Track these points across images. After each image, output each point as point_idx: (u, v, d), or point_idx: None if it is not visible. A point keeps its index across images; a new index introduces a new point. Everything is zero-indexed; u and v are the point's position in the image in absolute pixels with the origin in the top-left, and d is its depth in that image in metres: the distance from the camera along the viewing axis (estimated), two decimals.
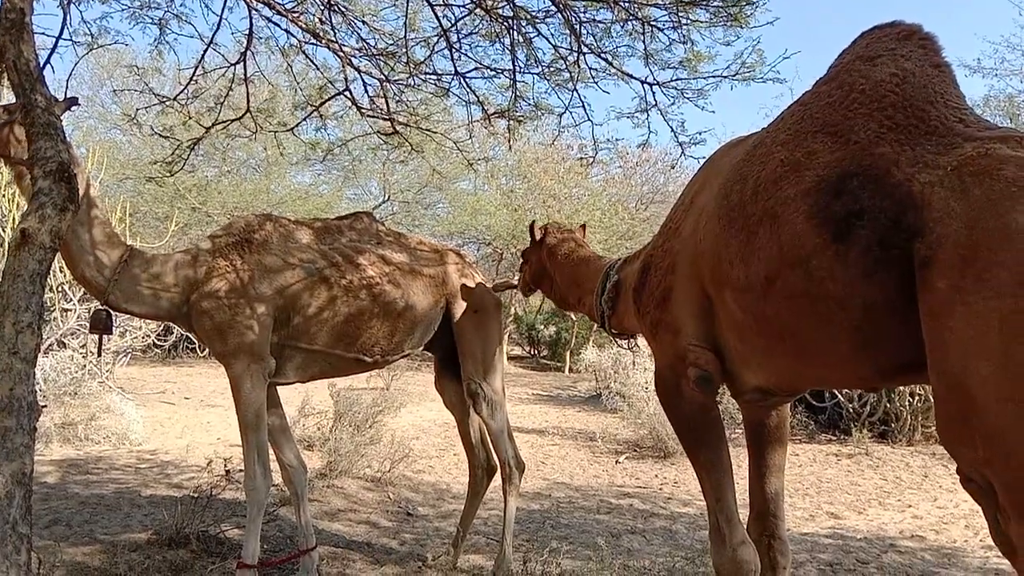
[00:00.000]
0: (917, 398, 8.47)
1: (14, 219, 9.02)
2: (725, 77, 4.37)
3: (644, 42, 4.35)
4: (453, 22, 4.55)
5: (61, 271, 8.41)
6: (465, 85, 4.90)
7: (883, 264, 1.76)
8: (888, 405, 8.54)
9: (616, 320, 3.22)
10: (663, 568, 4.36)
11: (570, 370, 18.41)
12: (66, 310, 9.39)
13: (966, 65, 14.56)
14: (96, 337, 4.10)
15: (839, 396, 8.72)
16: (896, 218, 1.75)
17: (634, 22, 4.27)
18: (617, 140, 5.16)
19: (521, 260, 4.27)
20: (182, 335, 14.13)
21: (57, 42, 3.45)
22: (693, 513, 5.89)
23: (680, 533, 5.37)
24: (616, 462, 7.86)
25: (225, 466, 5.57)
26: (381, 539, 4.95)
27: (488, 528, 5.19)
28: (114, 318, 4.13)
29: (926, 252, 1.68)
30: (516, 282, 4.45)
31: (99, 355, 4.50)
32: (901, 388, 8.40)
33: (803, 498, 6.44)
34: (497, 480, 4.48)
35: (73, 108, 3.85)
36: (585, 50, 4.50)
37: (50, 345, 8.98)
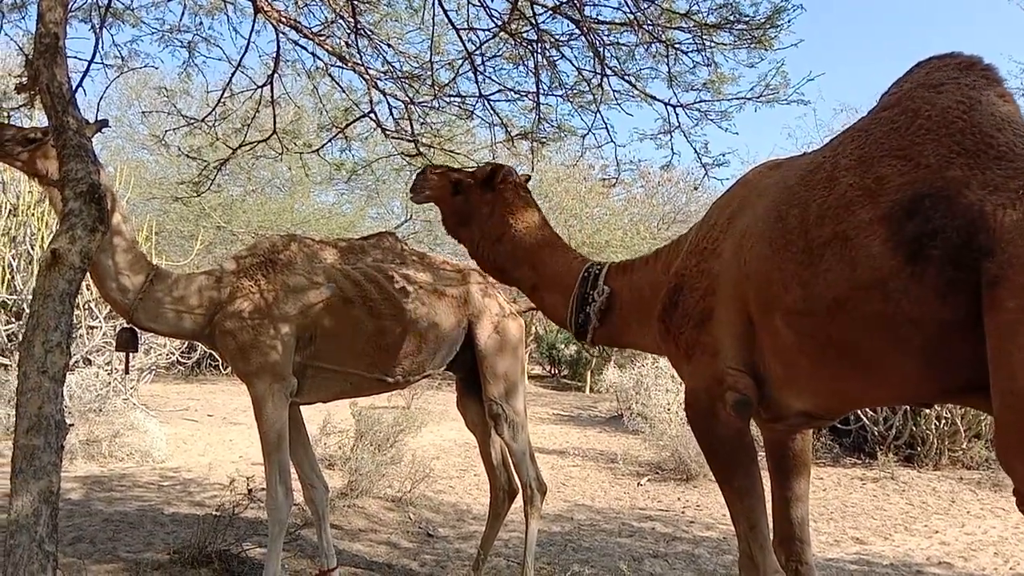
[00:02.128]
0: (944, 421, 8.34)
1: (43, 238, 9.17)
2: (749, 99, 4.37)
3: (668, 64, 4.36)
4: (478, 45, 4.59)
5: (88, 289, 8.51)
6: (489, 107, 4.94)
7: (955, 283, 1.80)
8: (914, 428, 8.41)
9: (605, 332, 3.06)
10: None
11: (591, 390, 18.32)
12: (92, 327, 9.51)
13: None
14: (122, 355, 4.14)
15: (864, 419, 8.59)
16: (967, 238, 1.78)
17: (658, 45, 4.28)
18: (640, 161, 5.14)
19: (440, 177, 3.40)
20: (205, 352, 14.24)
21: (89, 66, 3.53)
22: (716, 537, 5.82)
23: (703, 557, 5.31)
24: (638, 484, 7.80)
25: (247, 485, 5.57)
26: (402, 560, 4.93)
27: (509, 550, 5.16)
28: (140, 336, 4.18)
29: (996, 272, 1.71)
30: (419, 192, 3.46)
31: (126, 372, 4.55)
32: (927, 411, 8.29)
33: (828, 523, 6.35)
34: (518, 502, 4.45)
35: (103, 130, 3.94)
36: (608, 72, 4.52)
37: (76, 362, 9.08)
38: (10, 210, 9.54)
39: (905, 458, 8.45)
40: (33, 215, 9.44)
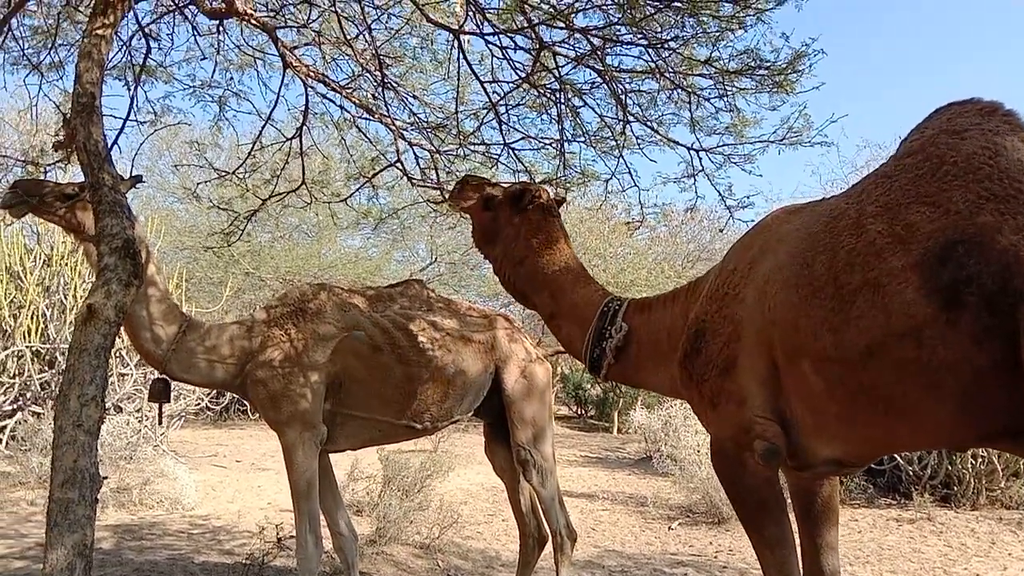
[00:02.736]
0: (980, 460, 8.15)
1: (76, 288, 9.35)
2: (772, 142, 4.39)
3: (690, 110, 4.40)
4: (501, 96, 4.67)
5: (119, 337, 8.63)
6: (512, 155, 5.01)
7: (991, 329, 1.79)
8: (950, 468, 8.22)
9: (619, 370, 3.04)
10: None
11: (618, 431, 18.15)
12: (123, 375, 9.62)
13: None
14: (156, 405, 4.19)
15: (898, 459, 8.41)
16: (1003, 283, 1.78)
17: (679, 92, 4.34)
18: (664, 204, 5.15)
19: (474, 190, 3.37)
20: (234, 397, 14.32)
21: (124, 124, 3.64)
22: None
23: None
24: (669, 528, 7.68)
25: (277, 533, 5.58)
26: None
27: None
28: (171, 386, 4.23)
29: None
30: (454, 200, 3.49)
31: (160, 423, 4.61)
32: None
33: (864, 566, 6.20)
34: (548, 548, 4.41)
35: (138, 186, 4.04)
36: (631, 119, 4.58)
37: (107, 410, 9.17)
38: (44, 260, 9.75)
39: (941, 498, 8.25)
40: (66, 265, 9.63)
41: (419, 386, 4.08)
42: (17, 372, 9.04)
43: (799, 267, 2.22)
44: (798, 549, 2.48)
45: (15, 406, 8.86)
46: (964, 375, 1.85)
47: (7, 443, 8.75)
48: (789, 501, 2.74)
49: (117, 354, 9.61)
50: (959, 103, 2.23)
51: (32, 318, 9.17)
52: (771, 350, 2.29)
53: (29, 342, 8.95)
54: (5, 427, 8.85)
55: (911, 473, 8.37)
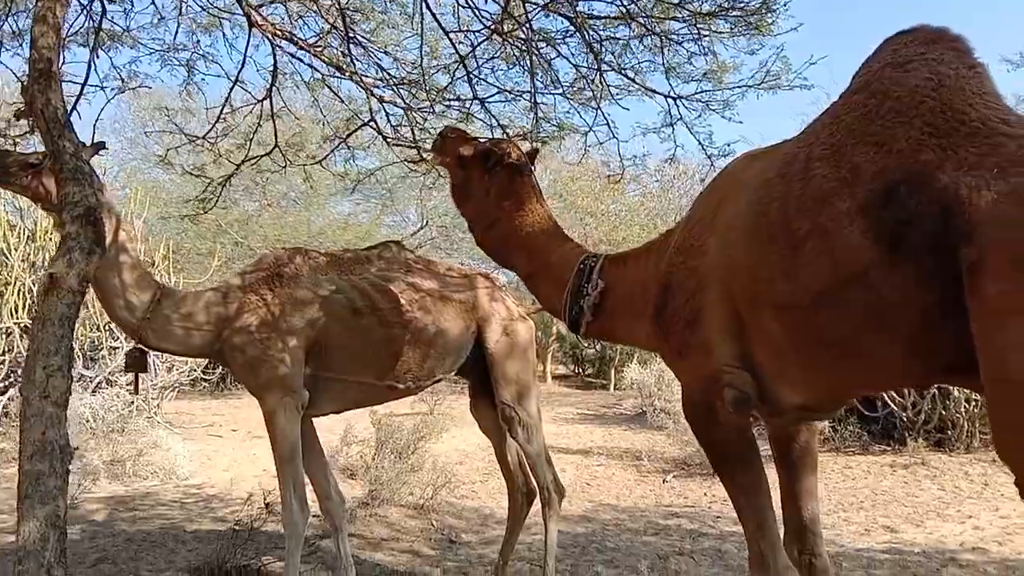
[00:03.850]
0: (973, 404, 8.17)
1: None
2: (750, 87, 4.29)
3: (664, 56, 4.30)
4: (471, 48, 4.56)
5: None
6: (486, 110, 4.91)
7: (935, 270, 1.74)
8: (943, 412, 8.25)
9: (598, 327, 3.00)
10: None
11: (615, 387, 18.24)
12: (114, 348, 9.59)
13: (1008, 60, 14.09)
14: (132, 375, 4.15)
15: (892, 405, 8.44)
16: (944, 223, 1.72)
17: (653, 37, 4.23)
18: (645, 155, 5.05)
19: (452, 145, 3.29)
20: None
21: (83, 89, 3.53)
22: (743, 532, 5.73)
23: (730, 553, 5.23)
24: (663, 481, 7.72)
25: (264, 499, 5.60)
26: (423, 567, 4.90)
27: (532, 554, 5.11)
28: (150, 356, 4.19)
29: (975, 256, 1.65)
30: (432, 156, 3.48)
31: (136, 392, 4.59)
32: (956, 394, 8.14)
33: (857, 512, 6.24)
34: (539, 505, 4.41)
35: (101, 152, 3.95)
36: (605, 68, 4.48)
37: (99, 383, 9.17)
38: (28, 236, 9.66)
39: (935, 443, 8.29)
40: (51, 240, 9.54)
41: (400, 347, 4.04)
42: (7, 349, 9.00)
43: (755, 215, 2.17)
44: (772, 496, 2.45)
45: (6, 383, 8.83)
46: (911, 316, 1.81)
47: (0, 420, 8.75)
48: (768, 448, 2.73)
49: (106, 327, 9.58)
50: (906, 32, 2.14)
51: (19, 294, 9.10)
52: (734, 299, 2.25)
53: (17, 318, 8.90)
54: None
55: (905, 419, 8.40)
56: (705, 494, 7.10)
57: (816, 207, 1.96)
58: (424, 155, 5.03)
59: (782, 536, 2.56)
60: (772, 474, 2.51)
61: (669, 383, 10.31)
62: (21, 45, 4.56)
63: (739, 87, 4.36)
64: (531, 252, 3.15)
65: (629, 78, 4.53)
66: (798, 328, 2.05)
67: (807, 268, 1.96)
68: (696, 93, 4.49)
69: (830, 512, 6.14)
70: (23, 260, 9.42)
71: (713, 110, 4.52)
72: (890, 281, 1.81)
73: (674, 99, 4.56)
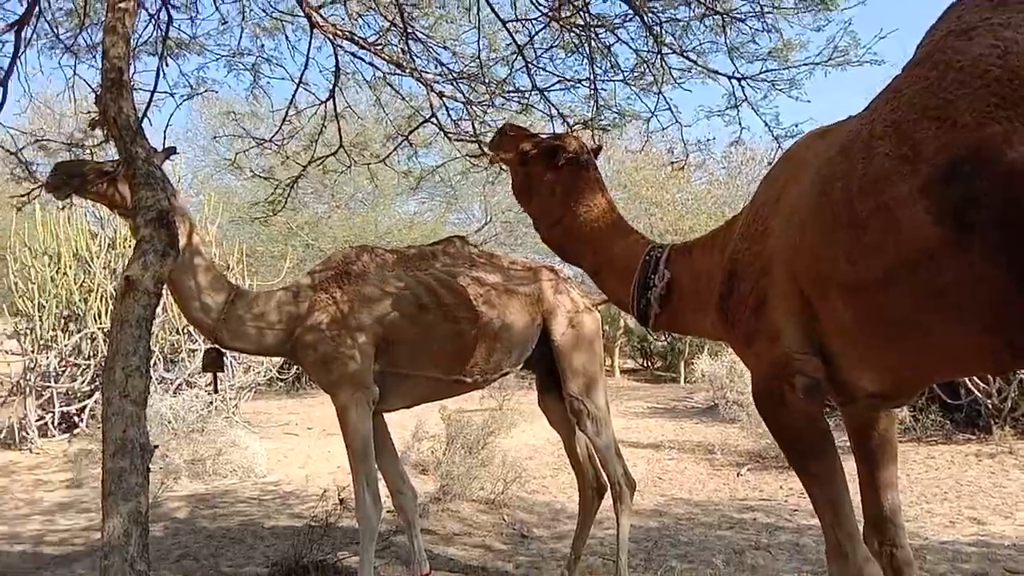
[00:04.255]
0: None
1: None
2: (817, 64, 4.14)
3: (727, 36, 4.18)
4: (529, 38, 4.53)
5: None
6: (546, 99, 4.87)
7: (1006, 248, 1.65)
8: None
9: (667, 318, 2.93)
10: None
11: (685, 380, 17.98)
12: (192, 351, 9.88)
13: None
14: (211, 375, 4.26)
15: (976, 392, 8.10)
16: (1015, 199, 1.63)
17: (714, 16, 4.12)
18: (710, 140, 4.92)
19: (511, 143, 3.29)
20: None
21: (152, 96, 3.62)
22: (820, 525, 5.57)
23: (808, 547, 5.09)
24: (737, 475, 7.57)
25: (339, 495, 5.68)
26: (496, 562, 4.91)
27: (604, 548, 5.07)
28: (226, 356, 4.29)
29: None
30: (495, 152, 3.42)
31: (215, 391, 4.71)
32: None
33: (941, 503, 6.00)
34: (610, 499, 4.37)
35: (172, 158, 4.06)
36: (666, 51, 4.38)
37: (179, 385, 9.46)
38: (109, 244, 10.03)
39: (1023, 431, 7.93)
40: (130, 247, 9.88)
41: (466, 341, 4.05)
42: (91, 354, 9.37)
43: (819, 195, 2.08)
44: (850, 487, 2.36)
45: (92, 387, 9.19)
46: (984, 297, 1.73)
47: (87, 422, 9.10)
48: (846, 439, 2.63)
49: (185, 331, 9.87)
50: None
51: (101, 300, 9.46)
52: (801, 283, 2.17)
53: (101, 324, 9.25)
54: (85, 407, 9.21)
55: (990, 406, 8.06)
56: (781, 487, 6.93)
57: (878, 186, 1.88)
58: (485, 149, 5.02)
59: (861, 528, 2.47)
60: (850, 465, 2.42)
61: (741, 374, 10.09)
62: (94, 57, 4.71)
63: (806, 65, 4.21)
64: (596, 247, 3.11)
65: (691, 60, 4.42)
66: (865, 310, 1.97)
67: (872, 249, 1.89)
68: (761, 73, 4.35)
69: (912, 504, 5.93)
70: (104, 267, 9.80)
71: (779, 90, 4.38)
72: (958, 261, 1.73)
73: (738, 80, 4.43)
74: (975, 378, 8.02)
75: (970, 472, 6.92)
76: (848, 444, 2.62)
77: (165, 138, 3.92)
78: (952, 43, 1.89)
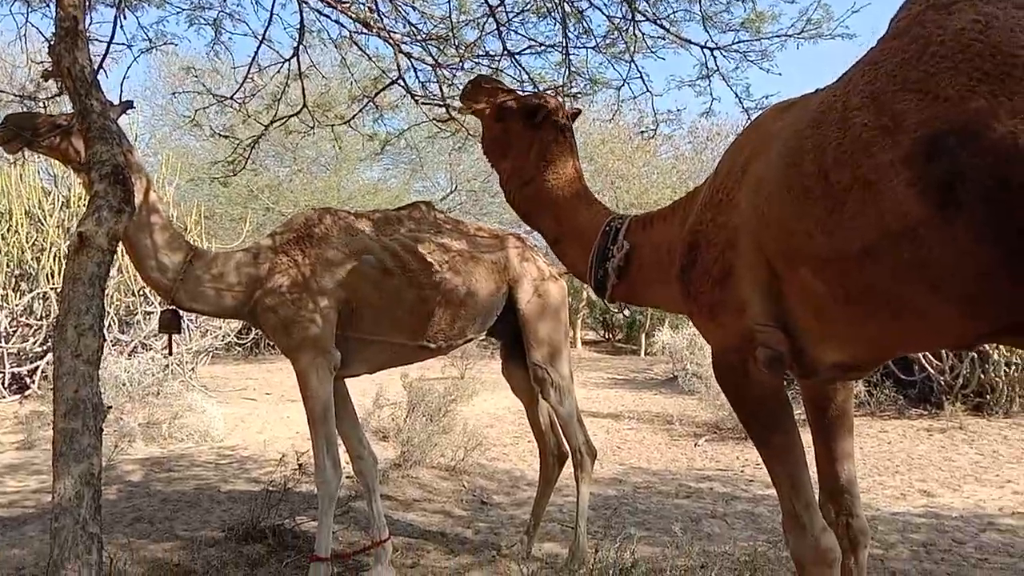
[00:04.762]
0: (1014, 368, 8.01)
1: None
2: (790, 36, 4.13)
3: (701, 5, 4.15)
4: (500, 0, 4.44)
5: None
6: (517, 64, 4.80)
7: (993, 226, 1.63)
8: (982, 376, 8.09)
9: (625, 289, 2.90)
10: (745, 552, 4.19)
11: (646, 352, 18.18)
12: (148, 313, 9.72)
13: None
14: (166, 336, 4.17)
15: (929, 369, 8.30)
16: (1003, 176, 1.61)
17: None
18: (679, 110, 4.90)
19: (487, 95, 3.15)
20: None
21: (108, 47, 3.49)
22: (776, 495, 5.68)
23: (763, 516, 5.19)
24: (695, 445, 7.68)
25: (298, 460, 5.64)
26: (455, 528, 4.92)
27: (563, 515, 5.11)
28: (183, 318, 4.20)
29: None
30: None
31: (170, 353, 4.59)
32: (996, 357, 7.97)
33: (893, 476, 6.15)
34: (570, 467, 4.39)
35: (129, 112, 3.92)
36: (639, 18, 4.33)
37: (134, 348, 9.30)
38: (63, 202, 9.76)
39: (974, 407, 8.16)
40: (85, 205, 9.63)
41: (431, 308, 4.01)
42: (44, 314, 9.15)
43: (789, 167, 2.06)
44: (807, 459, 2.38)
45: (44, 347, 8.99)
46: (966, 274, 1.71)
47: (39, 383, 8.92)
48: (802, 411, 2.65)
49: (141, 292, 9.69)
50: None
51: (54, 260, 9.23)
52: (767, 255, 2.16)
53: (53, 283, 9.02)
54: (37, 368, 9.01)
55: (943, 383, 8.26)
56: (738, 458, 7.05)
57: (856, 158, 1.85)
58: (453, 114, 4.94)
59: (817, 498, 2.50)
60: (806, 437, 2.45)
61: (701, 347, 10.22)
62: (48, 5, 4.52)
63: (778, 37, 4.20)
64: (560, 214, 3.06)
65: (664, 28, 4.38)
66: (842, 283, 1.96)
67: (851, 222, 1.86)
68: (734, 43, 4.33)
69: (865, 476, 6.06)
70: (58, 226, 9.56)
71: (751, 61, 4.36)
72: (941, 236, 1.70)
73: (711, 50, 4.40)
74: (929, 355, 8.21)
75: (921, 446, 7.10)
76: (804, 417, 2.64)
77: (122, 93, 3.76)
78: (932, 16, 1.87)
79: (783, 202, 2.07)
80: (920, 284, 1.80)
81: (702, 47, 4.44)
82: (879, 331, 2.04)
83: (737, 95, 4.49)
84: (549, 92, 4.37)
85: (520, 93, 3.25)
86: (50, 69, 3.85)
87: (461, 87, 3.65)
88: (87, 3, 4.03)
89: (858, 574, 2.55)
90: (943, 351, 8.13)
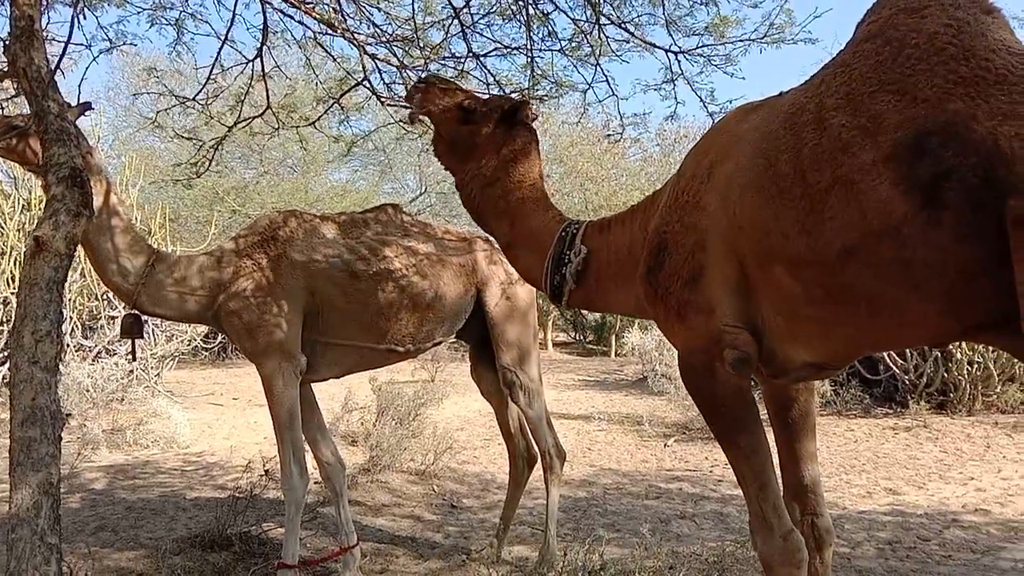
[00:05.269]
0: (976, 366, 8.15)
1: None
2: (753, 40, 4.18)
3: (665, 9, 4.18)
4: (465, 2, 4.43)
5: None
6: (482, 66, 4.79)
7: (976, 225, 1.67)
8: (946, 375, 8.23)
9: (582, 295, 2.88)
10: (713, 553, 4.22)
11: (616, 354, 18.24)
12: (112, 318, 9.56)
13: (1015, 18, 13.87)
14: (130, 342, 4.11)
15: (894, 368, 8.43)
16: (986, 176, 1.64)
17: None
18: (646, 114, 4.93)
19: (445, 96, 3.08)
20: None
21: (66, 47, 3.42)
22: (744, 495, 5.72)
23: (731, 516, 5.23)
24: (664, 445, 7.72)
25: (264, 466, 5.58)
26: (425, 533, 4.90)
27: (533, 518, 5.11)
28: (147, 323, 4.14)
29: (1023, 209, 1.58)
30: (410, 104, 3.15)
31: (134, 359, 4.51)
32: (959, 356, 8.11)
33: (859, 475, 6.23)
34: (539, 469, 4.39)
35: (88, 113, 3.85)
36: (604, 21, 4.35)
37: (98, 353, 9.14)
38: (24, 205, 9.58)
39: (937, 405, 8.28)
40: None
41: (398, 311, 3.99)
42: (5, 319, 8.96)
43: (762, 168, 2.07)
44: (774, 459, 2.40)
45: (3, 354, 8.79)
46: (948, 272, 1.74)
47: (0, 390, 8.73)
48: (764, 413, 2.67)
49: (104, 297, 9.53)
50: None
51: (15, 264, 9.04)
52: (739, 256, 2.17)
53: (13, 288, 8.83)
54: None
55: (907, 382, 8.39)
56: (707, 458, 7.09)
57: (835, 158, 1.87)
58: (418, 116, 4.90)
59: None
60: (769, 438, 2.47)
61: (670, 348, 10.24)
62: (2, 3, 4.43)
63: (742, 41, 4.24)
64: (515, 218, 3.01)
65: (629, 32, 4.40)
66: (819, 283, 1.97)
67: (831, 222, 1.88)
68: (698, 47, 4.37)
69: (831, 475, 6.14)
70: (18, 229, 9.36)
71: (715, 65, 4.40)
72: (925, 236, 1.73)
73: (675, 54, 4.44)
74: (893, 354, 8.33)
75: (887, 445, 7.20)
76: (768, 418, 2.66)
77: (81, 94, 3.69)
78: (904, 20, 1.91)
79: (756, 203, 2.08)
80: (902, 282, 1.82)
81: (667, 51, 4.47)
82: (855, 330, 2.06)
83: (702, 99, 4.53)
84: (513, 95, 4.38)
85: (474, 93, 3.21)
86: (5, 69, 3.77)
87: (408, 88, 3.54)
88: (44, 2, 3.95)
89: (824, 573, 2.57)
90: (907, 350, 8.26)
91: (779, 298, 2.11)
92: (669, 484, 6.19)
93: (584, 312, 20.85)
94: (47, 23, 4.09)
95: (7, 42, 3.36)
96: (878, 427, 7.91)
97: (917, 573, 4.10)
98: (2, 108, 4.95)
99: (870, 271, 1.85)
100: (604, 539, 4.12)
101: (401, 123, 5.15)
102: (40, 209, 9.25)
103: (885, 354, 8.31)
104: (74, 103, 3.69)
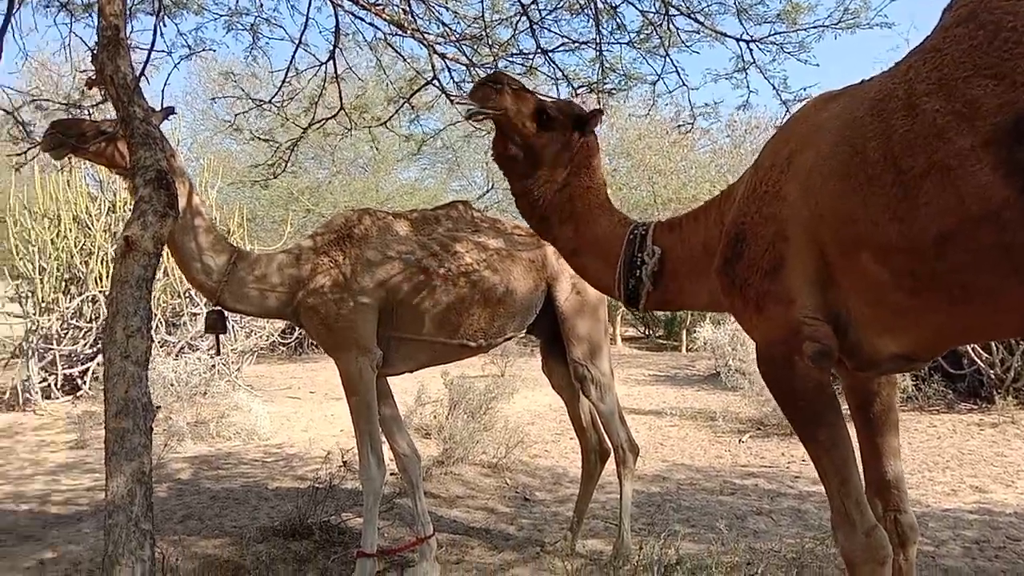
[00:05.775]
0: None
1: None
2: (827, 27, 4.07)
3: None
4: None
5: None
6: (551, 62, 4.80)
7: None
8: None
9: (659, 295, 2.82)
10: (791, 549, 4.15)
11: (687, 349, 18.02)
12: (195, 314, 9.89)
13: None
14: (213, 337, 4.25)
15: (979, 362, 8.11)
16: None
17: None
18: (716, 104, 4.83)
19: (518, 95, 2.94)
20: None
21: (149, 55, 3.56)
22: (823, 491, 5.59)
23: (810, 513, 5.12)
24: (739, 441, 7.60)
25: (342, 457, 5.71)
26: (499, 525, 4.94)
27: (607, 512, 5.10)
28: (229, 319, 4.28)
29: None
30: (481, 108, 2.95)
31: (218, 353, 4.68)
32: None
33: (943, 472, 6.02)
34: (612, 464, 4.38)
35: (171, 117, 4.01)
36: (673, 12, 4.30)
37: (181, 348, 9.48)
38: (109, 207, 9.99)
39: None
40: (130, 210, 9.84)
41: (469, 306, 4.03)
42: (93, 316, 9.38)
43: (847, 156, 2.03)
44: (856, 454, 2.35)
45: (95, 349, 9.21)
46: None
47: (90, 384, 9.14)
48: (846, 408, 2.61)
49: (187, 295, 9.88)
50: None
51: (102, 263, 9.45)
52: (820, 246, 2.13)
53: (101, 287, 9.24)
54: (88, 369, 9.24)
55: (993, 376, 8.07)
56: (783, 454, 6.96)
57: (930, 144, 1.84)
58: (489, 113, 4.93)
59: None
60: (852, 433, 2.41)
61: (744, 342, 10.08)
62: (91, 15, 4.63)
63: (815, 27, 4.14)
64: (580, 224, 2.97)
65: (699, 22, 4.34)
66: (911, 271, 1.93)
67: (926, 208, 1.84)
68: (770, 35, 4.28)
69: (914, 472, 5.96)
70: (105, 230, 9.77)
71: (788, 53, 4.30)
72: None
73: (747, 42, 4.36)
74: (978, 348, 8.03)
75: (972, 441, 6.94)
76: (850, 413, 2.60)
77: (163, 99, 3.86)
78: (999, 3, 1.86)
79: (840, 191, 2.05)
80: (1000, 267, 1.79)
81: (738, 40, 4.40)
82: (946, 318, 2.02)
83: (774, 87, 4.44)
84: (582, 91, 4.37)
85: (539, 95, 3.18)
86: (94, 77, 3.96)
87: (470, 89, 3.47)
88: (128, 12, 4.12)
89: (908, 571, 2.51)
90: (993, 344, 7.95)
91: (866, 287, 2.07)
92: (744, 480, 6.10)
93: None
94: (131, 32, 4.27)
95: (95, 51, 3.52)
96: (962, 423, 7.63)
97: (1008, 574, 3.96)
98: (90, 114, 5.19)
99: (968, 256, 1.82)
100: (679, 534, 4.10)
101: (470, 121, 5.19)
102: (125, 211, 9.67)
103: (969, 348, 8.01)
104: (157, 108, 3.86)
